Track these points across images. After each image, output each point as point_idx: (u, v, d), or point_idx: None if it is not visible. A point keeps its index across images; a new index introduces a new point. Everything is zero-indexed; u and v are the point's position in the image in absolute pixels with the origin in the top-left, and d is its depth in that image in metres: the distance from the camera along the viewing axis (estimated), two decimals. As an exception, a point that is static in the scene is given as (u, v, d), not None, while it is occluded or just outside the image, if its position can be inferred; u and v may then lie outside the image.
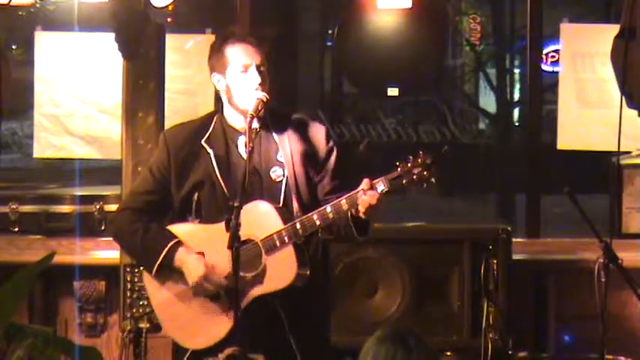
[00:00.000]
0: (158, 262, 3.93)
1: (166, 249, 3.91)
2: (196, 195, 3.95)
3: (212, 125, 4.01)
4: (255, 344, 3.75)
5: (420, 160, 3.64)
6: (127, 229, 4.02)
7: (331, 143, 3.97)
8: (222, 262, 3.81)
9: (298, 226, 3.79)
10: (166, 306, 4.01)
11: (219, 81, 4.01)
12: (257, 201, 3.84)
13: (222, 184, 3.90)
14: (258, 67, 3.94)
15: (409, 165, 3.65)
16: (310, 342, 3.90)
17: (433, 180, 3.63)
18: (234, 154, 3.95)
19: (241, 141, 3.95)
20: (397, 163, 3.69)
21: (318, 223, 3.78)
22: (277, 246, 3.80)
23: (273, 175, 3.91)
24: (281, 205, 3.87)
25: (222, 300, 3.89)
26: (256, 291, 3.82)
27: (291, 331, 3.85)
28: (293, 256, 3.80)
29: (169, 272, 3.96)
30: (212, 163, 3.93)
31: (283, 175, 3.90)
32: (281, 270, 3.81)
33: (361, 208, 3.71)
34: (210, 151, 3.95)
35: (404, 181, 3.64)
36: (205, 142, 3.97)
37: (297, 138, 3.94)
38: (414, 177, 3.64)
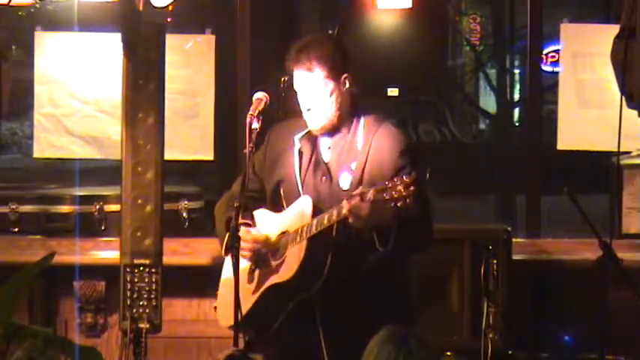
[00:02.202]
0: (224, 242, 4.03)
1: (229, 233, 4.01)
2: (282, 189, 4.04)
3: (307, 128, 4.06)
4: (282, 335, 3.91)
5: (405, 178, 3.64)
6: (217, 210, 4.19)
7: (404, 161, 3.91)
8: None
9: (314, 222, 3.84)
10: (225, 283, 4.14)
11: None
12: (304, 195, 3.93)
13: (299, 181, 3.98)
14: (308, 92, 3.97)
15: (395, 180, 3.65)
16: (344, 337, 3.87)
17: (408, 201, 3.61)
18: (317, 154, 4.00)
19: (324, 143, 4.00)
20: (394, 178, 3.69)
21: (325, 222, 3.81)
22: (298, 240, 3.88)
23: (341, 182, 3.95)
24: None
25: (254, 282, 4.01)
26: (272, 280, 3.93)
27: (326, 335, 3.87)
28: (302, 251, 3.84)
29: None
30: (294, 160, 4.01)
31: (351, 184, 3.92)
32: (290, 263, 3.89)
33: (347, 212, 3.73)
34: (297, 147, 4.02)
35: (385, 195, 3.63)
36: (299, 139, 4.04)
37: (375, 150, 3.94)
38: (394, 194, 3.62)
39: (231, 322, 3.92)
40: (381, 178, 3.87)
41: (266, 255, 4.02)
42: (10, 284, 2.84)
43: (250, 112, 3.90)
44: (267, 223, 4.06)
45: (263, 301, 3.95)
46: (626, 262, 4.57)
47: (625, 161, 5.87)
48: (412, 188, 3.59)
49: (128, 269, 5.17)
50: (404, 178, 3.63)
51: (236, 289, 3.74)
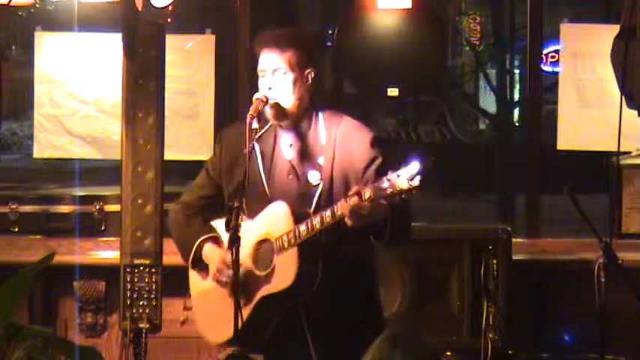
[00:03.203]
0: (191, 257, 4.03)
1: (197, 243, 4.01)
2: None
3: (267, 125, 4.03)
4: (270, 343, 3.88)
5: (407, 170, 3.63)
6: (174, 222, 4.17)
7: (375, 151, 3.93)
8: (243, 257, 3.89)
9: (303, 227, 3.81)
10: (199, 300, 4.11)
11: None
12: (277, 201, 3.88)
13: (265, 181, 3.95)
14: (273, 72, 3.94)
15: (396, 175, 3.63)
16: (332, 346, 3.89)
17: (414, 192, 3.59)
18: (278, 152, 3.98)
19: (285, 140, 3.98)
20: (389, 172, 3.68)
21: (317, 226, 3.79)
22: (285, 247, 3.83)
23: (310, 179, 3.93)
24: (313, 209, 3.88)
25: (240, 295, 3.92)
26: (264, 290, 3.87)
27: (310, 333, 3.87)
28: (295, 257, 3.81)
29: (202, 266, 4.05)
30: (257, 161, 3.98)
31: (320, 180, 3.91)
32: (284, 270, 3.84)
33: (346, 213, 3.70)
34: (257, 148, 3.99)
35: (389, 191, 3.61)
36: (256, 140, 4.00)
37: (343, 144, 3.94)
38: (397, 187, 3.60)
39: (225, 337, 3.91)
40: (352, 170, 3.89)
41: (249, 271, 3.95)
42: (10, 284, 2.84)
43: (250, 112, 3.87)
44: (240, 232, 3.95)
45: (256, 312, 3.88)
46: (626, 262, 4.57)
47: (625, 161, 5.87)
48: (416, 180, 3.57)
49: (128, 269, 5.18)
50: (406, 169, 3.61)
51: (236, 293, 3.71)
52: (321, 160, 3.92)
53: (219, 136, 4.15)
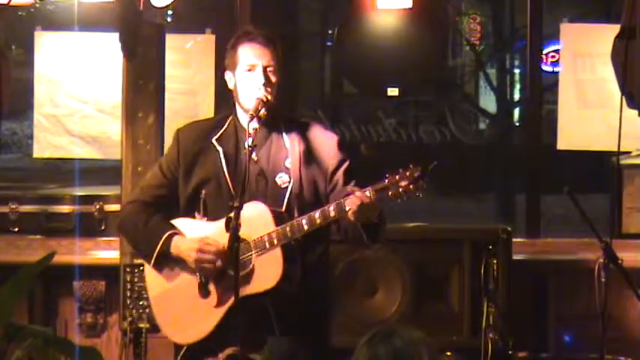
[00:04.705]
0: (156, 252, 3.97)
1: (163, 238, 3.96)
2: (203, 192, 3.98)
3: (226, 125, 4.04)
4: (244, 343, 3.82)
5: (408, 174, 3.66)
6: (130, 220, 4.09)
7: (343, 154, 3.98)
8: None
9: (288, 229, 3.82)
10: (161, 299, 4.06)
11: (230, 79, 4.03)
12: (254, 202, 3.87)
13: (229, 182, 3.93)
14: (265, 68, 3.95)
15: (397, 177, 3.67)
16: (303, 344, 3.92)
17: (420, 195, 3.64)
18: (243, 153, 3.93)
19: (250, 141, 3.96)
20: (386, 175, 3.71)
21: (305, 227, 3.80)
22: (267, 247, 3.83)
23: (278, 181, 3.94)
24: (284, 210, 3.90)
25: (211, 296, 3.93)
26: (244, 291, 3.83)
27: (281, 332, 3.88)
28: (280, 258, 3.82)
29: (166, 264, 4.00)
30: (221, 162, 3.97)
31: (289, 182, 3.92)
32: (267, 271, 3.84)
33: (349, 212, 3.72)
34: (219, 149, 3.98)
35: (390, 193, 3.66)
36: (216, 140, 4.01)
37: (308, 146, 3.96)
38: (400, 190, 3.66)
39: (194, 338, 3.92)
40: (320, 172, 3.94)
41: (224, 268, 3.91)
42: (10, 284, 2.85)
43: (250, 112, 3.88)
44: (204, 233, 3.93)
45: (233, 312, 3.80)
46: (626, 262, 4.57)
47: (625, 161, 5.87)
48: (421, 182, 3.61)
49: (128, 269, 5.18)
50: (406, 173, 3.64)
51: (236, 293, 3.68)
52: (287, 163, 3.94)
53: (176, 136, 4.11)
